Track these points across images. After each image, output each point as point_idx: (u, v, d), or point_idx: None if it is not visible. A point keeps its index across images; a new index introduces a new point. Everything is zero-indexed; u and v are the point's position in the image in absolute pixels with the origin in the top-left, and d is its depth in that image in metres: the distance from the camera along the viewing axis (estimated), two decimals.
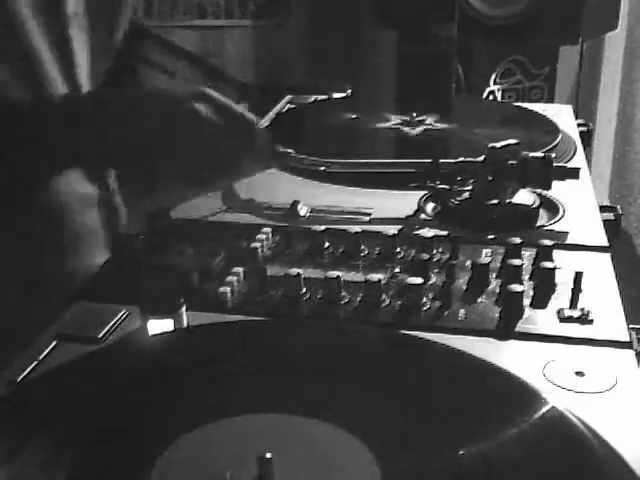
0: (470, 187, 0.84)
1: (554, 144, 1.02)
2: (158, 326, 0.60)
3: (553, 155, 0.83)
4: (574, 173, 0.85)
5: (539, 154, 0.83)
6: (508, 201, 0.83)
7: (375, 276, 0.68)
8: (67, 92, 0.90)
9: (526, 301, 0.67)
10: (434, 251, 0.75)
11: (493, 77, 2.08)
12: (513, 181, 0.83)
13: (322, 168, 0.90)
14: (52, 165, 0.85)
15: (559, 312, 0.66)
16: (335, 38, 2.48)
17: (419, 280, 0.67)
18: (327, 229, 0.78)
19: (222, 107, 0.83)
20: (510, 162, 0.82)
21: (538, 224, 0.83)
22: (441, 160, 0.86)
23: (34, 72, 0.86)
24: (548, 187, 0.83)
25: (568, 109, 1.24)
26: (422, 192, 0.89)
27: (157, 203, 0.86)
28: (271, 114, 1.21)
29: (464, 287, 0.70)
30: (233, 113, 0.83)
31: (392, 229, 0.78)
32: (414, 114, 1.12)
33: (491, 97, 2.07)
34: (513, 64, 2.09)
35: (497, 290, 0.69)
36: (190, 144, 0.81)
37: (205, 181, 0.86)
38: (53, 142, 0.81)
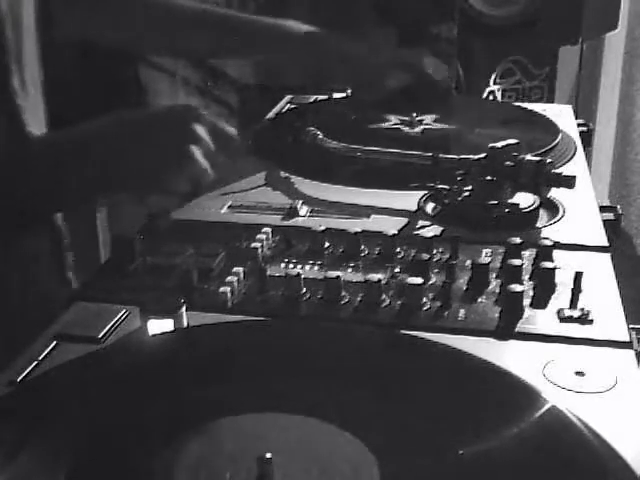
0: (470, 187, 0.84)
1: (554, 144, 1.02)
2: (158, 326, 0.61)
3: (548, 160, 0.82)
4: (570, 182, 0.81)
5: (534, 158, 0.82)
6: (508, 201, 0.83)
7: (375, 276, 0.68)
8: (45, 135, 0.84)
9: (526, 301, 0.67)
10: (434, 251, 0.75)
11: (493, 77, 2.08)
12: (510, 182, 0.83)
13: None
14: (35, 211, 0.83)
15: (559, 312, 0.66)
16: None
17: (419, 280, 0.67)
18: (327, 229, 0.78)
19: (211, 124, 0.83)
20: (507, 163, 0.82)
21: (538, 224, 0.83)
22: (441, 155, 0.86)
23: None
24: (538, 193, 0.83)
25: (568, 109, 1.24)
26: (422, 192, 0.89)
27: (157, 204, 0.86)
28: (271, 114, 1.22)
29: (464, 287, 0.70)
30: (220, 131, 0.84)
31: (392, 229, 0.78)
32: (414, 114, 1.12)
33: (491, 97, 2.07)
34: (513, 64, 2.09)
35: (497, 290, 0.69)
36: (183, 164, 0.81)
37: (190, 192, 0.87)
38: (34, 190, 0.79)
